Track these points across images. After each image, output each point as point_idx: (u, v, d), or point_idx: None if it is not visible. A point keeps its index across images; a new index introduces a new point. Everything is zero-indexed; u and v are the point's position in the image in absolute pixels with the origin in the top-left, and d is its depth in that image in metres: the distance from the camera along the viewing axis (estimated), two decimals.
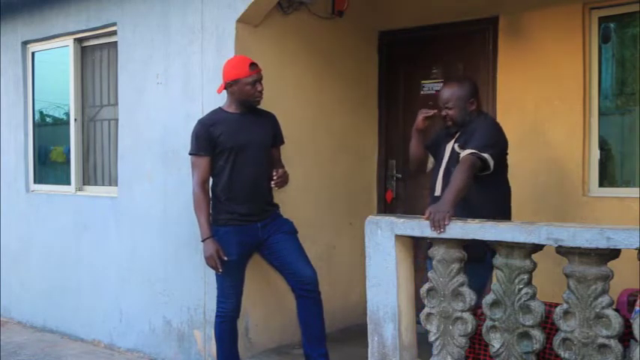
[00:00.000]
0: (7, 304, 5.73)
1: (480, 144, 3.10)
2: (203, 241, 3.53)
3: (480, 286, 3.04)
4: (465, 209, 2.96)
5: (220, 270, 3.50)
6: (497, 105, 4.54)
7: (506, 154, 3.31)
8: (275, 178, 3.53)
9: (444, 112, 3.33)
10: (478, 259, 2.94)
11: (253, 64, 3.56)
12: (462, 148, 3.17)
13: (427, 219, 2.76)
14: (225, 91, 3.65)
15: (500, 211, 3.23)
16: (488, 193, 3.15)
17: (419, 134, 3.49)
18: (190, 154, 3.62)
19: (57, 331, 5.26)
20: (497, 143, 3.22)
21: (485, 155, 3.07)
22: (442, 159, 3.35)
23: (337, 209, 4.82)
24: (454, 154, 3.24)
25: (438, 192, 3.27)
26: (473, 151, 3.07)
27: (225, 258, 3.49)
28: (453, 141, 3.32)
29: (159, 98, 4.45)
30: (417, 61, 5.05)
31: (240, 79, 3.52)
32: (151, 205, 4.52)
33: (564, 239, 2.38)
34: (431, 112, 3.40)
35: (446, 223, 2.70)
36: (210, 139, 3.55)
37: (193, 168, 3.61)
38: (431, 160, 3.54)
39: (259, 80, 3.56)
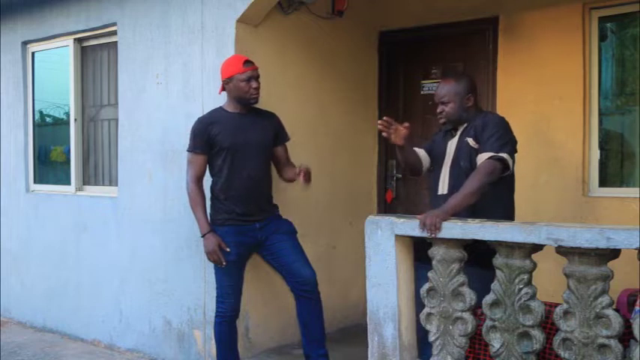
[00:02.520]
0: (7, 304, 5.73)
1: (497, 144, 3.00)
2: (203, 236, 3.53)
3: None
4: (469, 211, 2.92)
5: (224, 263, 3.50)
6: (497, 105, 4.54)
7: (516, 151, 3.18)
8: (301, 175, 3.47)
9: (439, 109, 3.23)
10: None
11: (248, 62, 3.56)
12: (476, 141, 3.07)
13: (419, 219, 2.76)
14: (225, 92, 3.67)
15: (505, 215, 3.16)
16: (495, 197, 3.03)
17: (404, 147, 3.22)
18: (187, 150, 3.63)
19: (57, 331, 5.26)
20: (512, 140, 3.11)
21: (505, 155, 2.98)
22: (444, 157, 3.25)
23: (337, 209, 4.82)
24: (464, 149, 3.13)
25: (443, 190, 3.18)
26: (491, 154, 2.96)
27: (228, 249, 3.49)
28: (457, 138, 3.22)
29: (159, 98, 4.45)
30: (417, 61, 5.05)
31: (234, 75, 3.53)
32: (151, 205, 4.52)
33: (564, 239, 2.38)
34: (383, 127, 3.08)
35: (437, 227, 2.69)
36: (207, 138, 3.55)
37: (188, 164, 3.61)
38: (426, 161, 3.40)
39: (254, 78, 3.55)
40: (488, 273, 2.76)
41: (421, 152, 3.40)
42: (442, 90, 3.23)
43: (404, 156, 3.29)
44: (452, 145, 3.24)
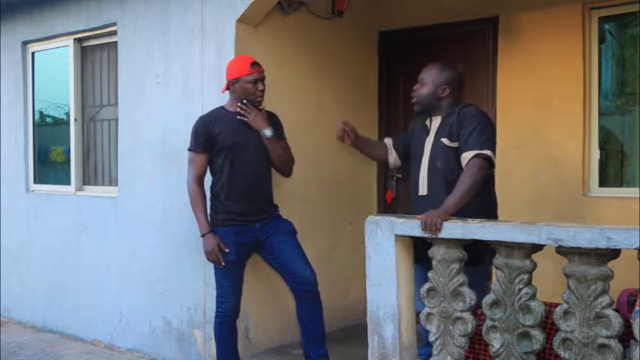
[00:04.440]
0: (7, 304, 5.73)
1: (479, 140, 2.98)
2: (202, 236, 3.53)
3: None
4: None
5: (223, 264, 3.50)
6: (497, 105, 4.54)
7: (495, 142, 3.15)
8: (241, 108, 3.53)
9: (415, 87, 3.24)
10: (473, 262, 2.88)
11: (255, 64, 3.56)
12: (451, 140, 3.07)
13: (420, 219, 2.76)
14: (227, 92, 3.66)
15: (488, 209, 3.17)
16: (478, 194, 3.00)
17: (358, 145, 3.50)
18: (188, 149, 3.63)
19: (57, 331, 5.26)
20: (492, 134, 3.09)
21: (489, 153, 2.98)
22: (421, 155, 3.22)
23: (337, 209, 4.82)
24: (439, 148, 3.12)
25: (423, 191, 3.18)
26: (476, 152, 2.96)
27: (227, 250, 3.49)
28: (433, 135, 3.20)
29: (159, 98, 4.45)
30: (417, 61, 5.02)
31: (241, 77, 3.53)
32: (151, 205, 4.52)
33: (564, 239, 2.38)
34: (341, 131, 3.42)
35: (438, 227, 2.70)
36: (208, 137, 3.55)
37: (190, 164, 3.61)
38: (393, 156, 3.48)
39: (261, 80, 3.56)
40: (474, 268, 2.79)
41: (389, 143, 3.50)
42: (424, 71, 3.25)
43: (365, 151, 3.50)
44: (428, 144, 3.22)
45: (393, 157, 3.51)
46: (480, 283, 2.82)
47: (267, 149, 3.60)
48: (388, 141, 3.56)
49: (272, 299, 4.26)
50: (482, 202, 3.09)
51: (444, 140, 3.11)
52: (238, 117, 3.54)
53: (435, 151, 3.16)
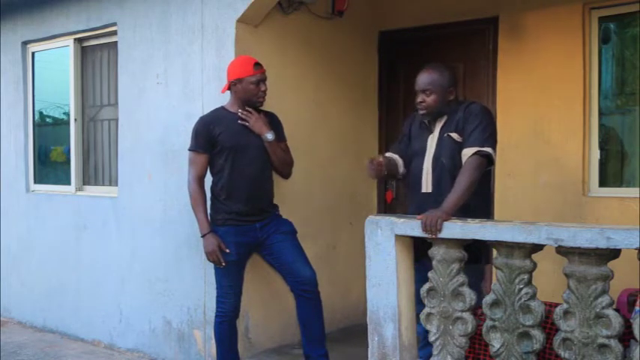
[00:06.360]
0: (7, 304, 5.73)
1: (480, 137, 2.98)
2: (203, 236, 3.53)
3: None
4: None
5: (224, 264, 3.50)
6: (497, 105, 4.54)
7: (496, 141, 3.14)
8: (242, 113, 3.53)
9: (420, 98, 3.14)
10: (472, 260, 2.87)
11: (258, 64, 3.57)
12: (460, 135, 3.05)
13: (420, 219, 2.76)
14: (227, 92, 3.66)
15: (484, 206, 3.17)
16: (476, 192, 2.99)
17: (388, 169, 3.25)
18: (189, 149, 3.64)
19: (57, 331, 5.26)
20: (493, 131, 3.09)
21: (489, 150, 2.98)
22: (424, 152, 3.19)
23: (337, 209, 4.82)
24: (445, 143, 3.10)
25: (427, 188, 3.15)
26: (476, 149, 2.96)
27: (227, 250, 3.49)
28: (437, 133, 3.16)
29: (159, 98, 4.45)
30: (417, 61, 5.02)
31: (244, 77, 3.53)
32: (151, 205, 4.52)
33: (564, 239, 2.38)
34: (375, 168, 3.17)
35: (438, 227, 2.69)
36: (209, 138, 3.55)
37: (190, 164, 3.62)
38: (400, 164, 3.33)
39: (263, 80, 3.57)
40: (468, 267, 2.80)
41: (394, 157, 3.34)
42: (425, 79, 3.14)
43: (389, 174, 3.30)
44: (432, 141, 3.18)
45: (401, 168, 3.36)
46: (473, 282, 2.82)
47: (268, 150, 3.61)
48: (391, 154, 3.38)
49: (272, 299, 4.26)
50: (478, 201, 3.09)
51: (453, 135, 3.09)
52: (239, 121, 3.54)
53: (441, 147, 3.13)
